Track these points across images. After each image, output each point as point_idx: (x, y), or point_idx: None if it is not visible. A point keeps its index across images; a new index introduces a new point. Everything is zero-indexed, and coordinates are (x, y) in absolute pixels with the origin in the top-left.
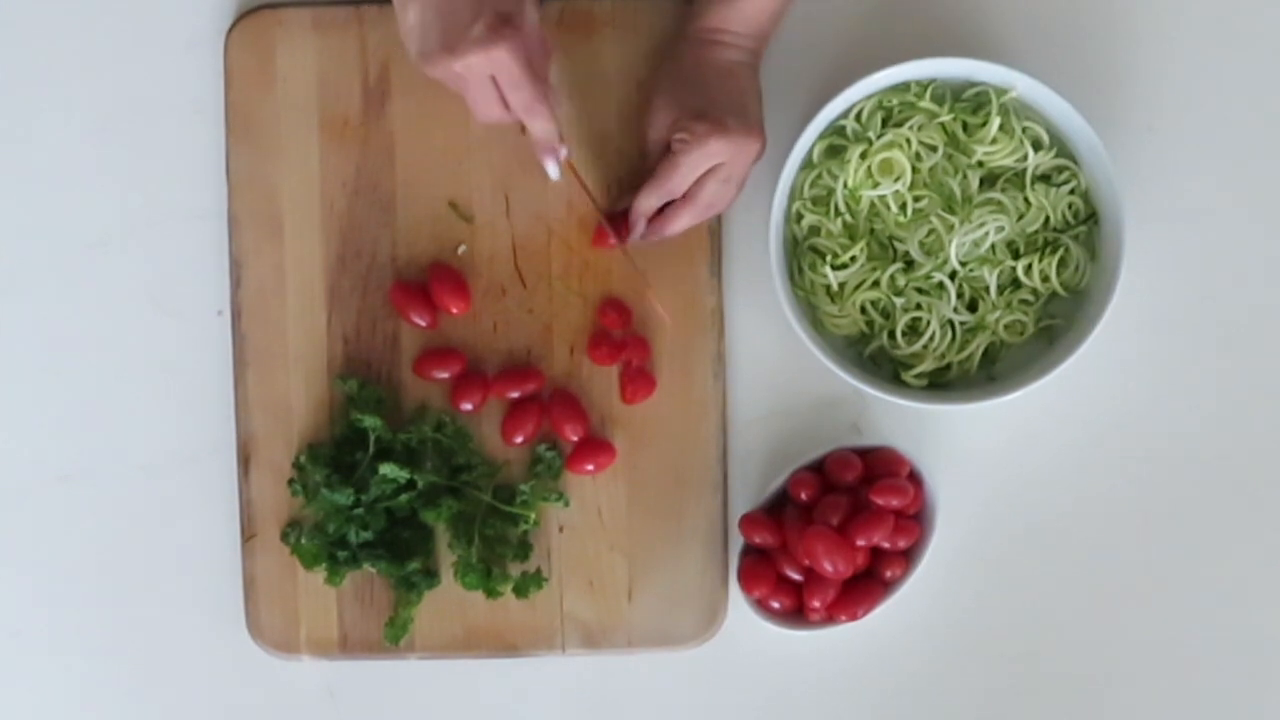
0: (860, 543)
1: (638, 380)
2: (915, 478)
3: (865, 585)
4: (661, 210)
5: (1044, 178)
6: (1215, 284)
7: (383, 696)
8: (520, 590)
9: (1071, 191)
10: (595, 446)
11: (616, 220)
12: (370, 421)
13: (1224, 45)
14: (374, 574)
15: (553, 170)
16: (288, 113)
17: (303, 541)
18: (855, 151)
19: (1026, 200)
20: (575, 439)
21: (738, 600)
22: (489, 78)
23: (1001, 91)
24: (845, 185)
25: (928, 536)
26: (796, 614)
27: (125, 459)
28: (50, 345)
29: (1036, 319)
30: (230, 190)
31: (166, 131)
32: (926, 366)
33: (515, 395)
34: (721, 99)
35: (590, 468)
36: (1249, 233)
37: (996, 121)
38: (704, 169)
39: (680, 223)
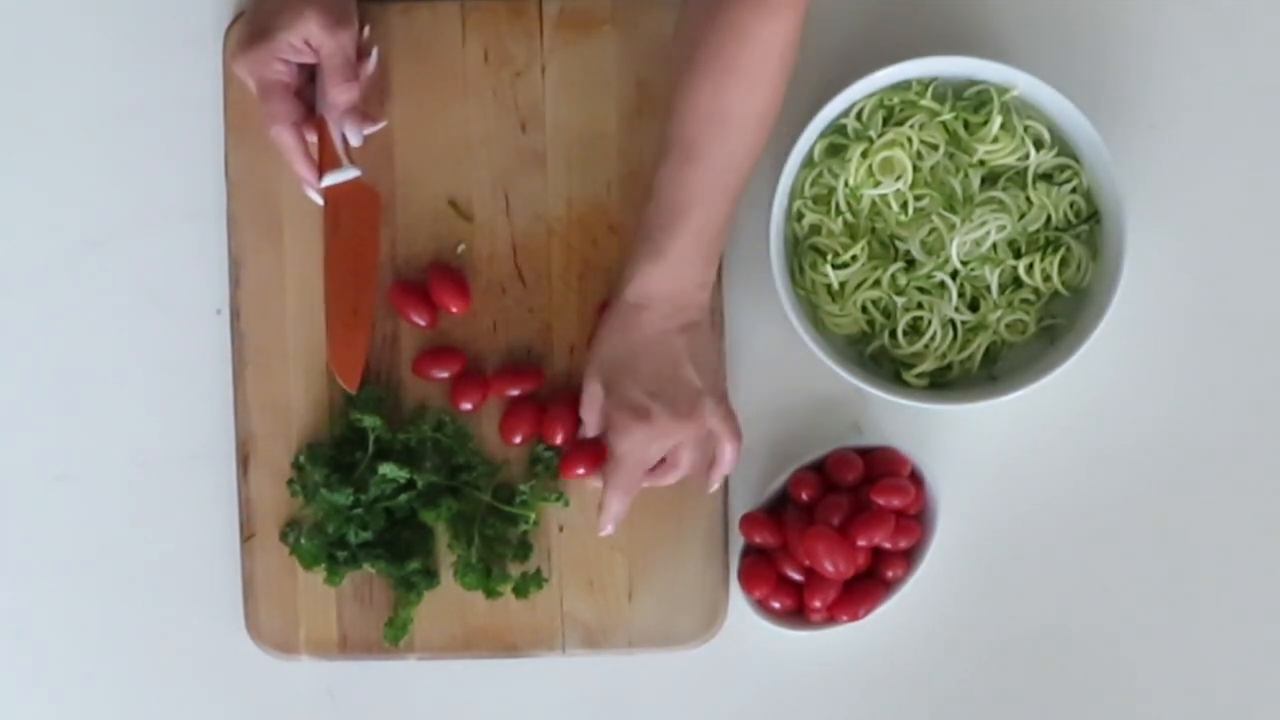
0: (861, 543)
1: None
2: (916, 477)
3: (866, 585)
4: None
5: (1045, 176)
6: (1218, 282)
7: (382, 697)
8: (520, 590)
9: (1073, 190)
10: (586, 450)
11: (584, 450)
12: (370, 421)
13: (1225, 42)
14: (373, 574)
15: (355, 137)
16: None
17: (302, 541)
18: (856, 150)
19: (1028, 199)
20: (566, 444)
21: (738, 600)
22: (286, 81)
23: (1003, 90)
24: (846, 184)
25: (929, 536)
26: (797, 614)
27: (123, 458)
28: (48, 343)
29: (1038, 318)
30: (229, 189)
31: (165, 130)
32: (927, 366)
33: (515, 393)
34: (653, 378)
35: (581, 471)
36: (1251, 231)
37: (998, 120)
38: (648, 452)
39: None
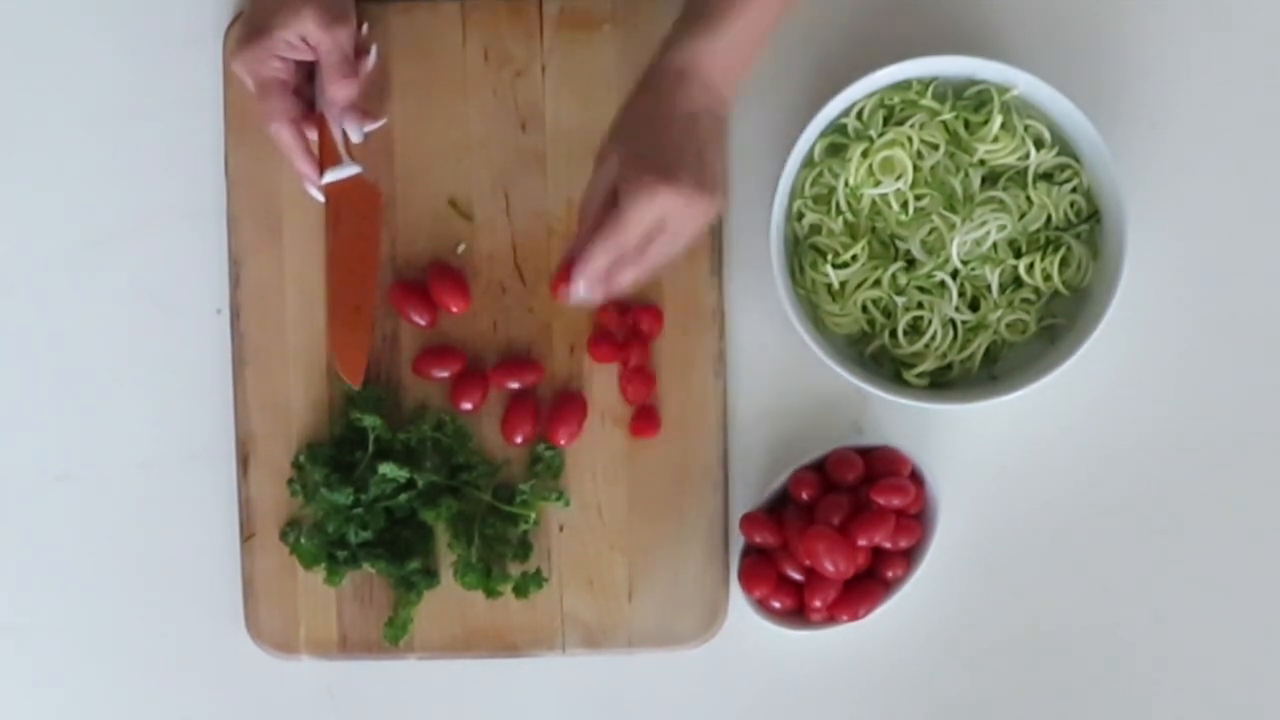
0: (861, 542)
1: (638, 379)
2: (916, 477)
3: (866, 585)
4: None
5: (1046, 176)
6: (1218, 282)
7: (382, 697)
8: (520, 590)
9: (1073, 190)
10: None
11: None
12: (370, 421)
13: (1226, 42)
14: (373, 574)
15: (355, 134)
16: None
17: (302, 541)
18: (856, 150)
19: (1028, 199)
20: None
21: (738, 600)
22: (284, 79)
23: (1003, 90)
24: (846, 184)
25: (929, 536)
26: (797, 614)
27: (124, 458)
28: (49, 343)
29: (1038, 318)
30: (229, 188)
31: (165, 129)
32: (928, 366)
33: (515, 386)
34: (678, 149)
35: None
36: (1252, 230)
37: (998, 120)
38: (651, 221)
39: (625, 279)
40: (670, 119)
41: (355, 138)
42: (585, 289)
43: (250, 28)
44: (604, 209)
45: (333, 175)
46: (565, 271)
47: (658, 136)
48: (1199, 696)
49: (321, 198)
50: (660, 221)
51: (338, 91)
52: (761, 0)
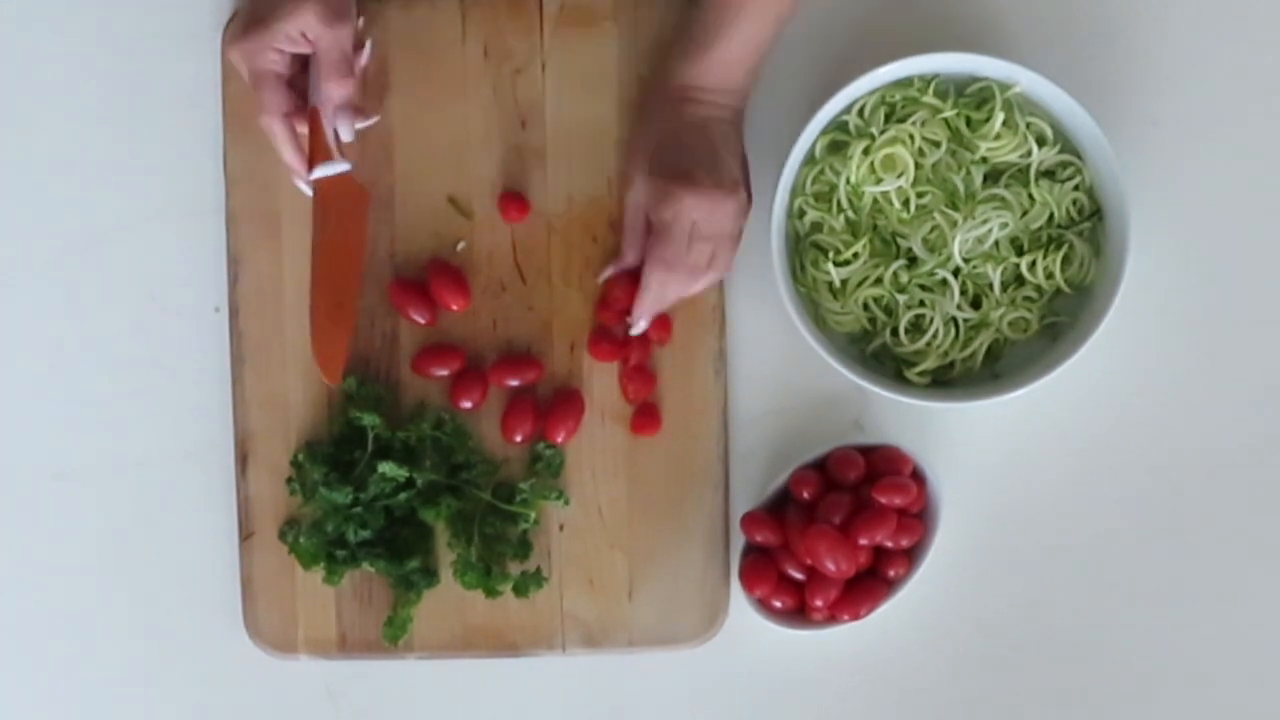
0: (863, 541)
1: (638, 377)
2: (918, 476)
3: (868, 584)
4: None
5: (1048, 173)
6: (1221, 280)
7: (382, 696)
8: (520, 589)
9: (1076, 187)
10: (625, 281)
11: (623, 281)
12: (369, 419)
13: (1228, 40)
14: (373, 573)
15: (347, 133)
16: None
17: (301, 540)
18: (858, 147)
19: (1030, 196)
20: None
21: (739, 599)
22: (280, 71)
23: (1005, 87)
24: (848, 181)
25: (930, 535)
26: (798, 613)
27: (121, 456)
28: (46, 341)
29: (1040, 316)
30: (228, 186)
31: (164, 127)
32: (929, 364)
33: (514, 383)
34: (692, 155)
35: (618, 308)
36: (1254, 228)
37: (1000, 117)
38: (686, 227)
39: (675, 292)
40: (679, 130)
41: (347, 136)
42: (647, 322)
43: (251, 18)
44: (645, 234)
45: (322, 171)
46: (613, 287)
47: (670, 149)
48: (1200, 696)
49: (309, 192)
50: (694, 227)
51: (333, 90)
52: (752, 19)
